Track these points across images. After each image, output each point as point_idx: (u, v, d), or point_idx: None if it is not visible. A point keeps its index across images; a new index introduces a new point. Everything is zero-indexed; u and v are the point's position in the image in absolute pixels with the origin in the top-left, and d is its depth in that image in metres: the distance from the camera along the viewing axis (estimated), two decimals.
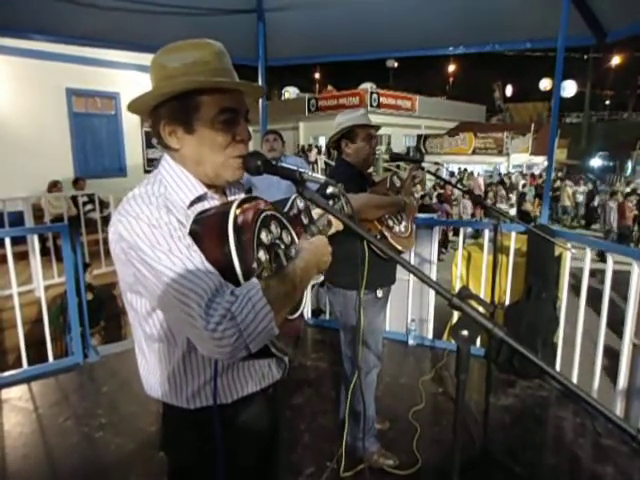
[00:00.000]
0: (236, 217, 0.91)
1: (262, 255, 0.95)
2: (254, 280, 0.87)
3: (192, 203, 1.02)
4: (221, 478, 1.03)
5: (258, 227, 0.95)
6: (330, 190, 1.13)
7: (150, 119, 1.04)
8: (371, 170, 2.54)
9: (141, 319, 1.02)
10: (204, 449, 1.06)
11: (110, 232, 0.95)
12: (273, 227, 1.02)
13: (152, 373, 1.06)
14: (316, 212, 1.25)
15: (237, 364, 1.07)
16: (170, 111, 1.00)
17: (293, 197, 1.19)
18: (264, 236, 0.97)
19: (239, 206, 0.94)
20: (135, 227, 0.90)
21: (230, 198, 1.14)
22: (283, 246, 1.04)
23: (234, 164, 1.04)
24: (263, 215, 0.99)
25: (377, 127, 2.41)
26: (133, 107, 1.02)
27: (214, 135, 1.00)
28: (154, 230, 0.90)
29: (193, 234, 0.94)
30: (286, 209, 1.16)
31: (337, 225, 1.29)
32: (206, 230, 0.95)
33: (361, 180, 2.35)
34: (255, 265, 0.91)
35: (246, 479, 1.15)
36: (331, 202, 1.26)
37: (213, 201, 1.07)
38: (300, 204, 1.20)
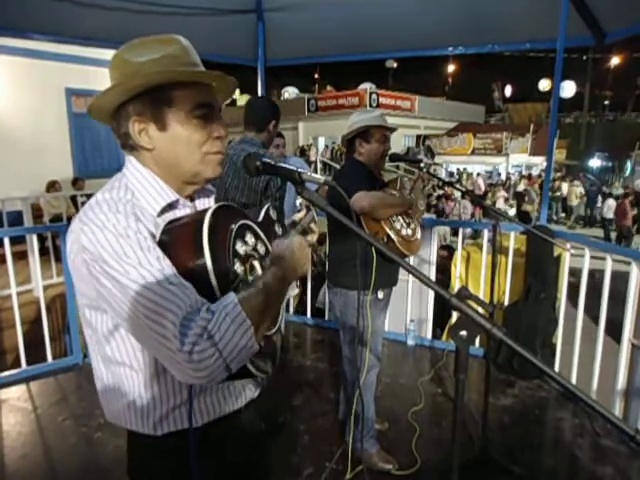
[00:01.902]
0: (211, 226, 0.84)
1: (238, 267, 0.89)
2: (231, 294, 0.81)
3: (162, 211, 0.94)
4: None
5: (233, 237, 0.89)
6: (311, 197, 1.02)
7: (113, 120, 0.96)
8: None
9: (101, 339, 0.92)
10: (174, 477, 0.98)
11: (69, 241, 0.86)
12: (248, 237, 0.96)
13: (113, 399, 0.97)
14: (298, 216, 1.19)
15: (211, 386, 0.99)
16: (140, 107, 0.92)
17: (266, 207, 1.15)
18: (239, 247, 0.91)
19: (213, 214, 0.87)
20: (100, 237, 0.81)
21: (198, 206, 1.06)
22: (258, 257, 0.99)
23: (213, 160, 0.98)
24: (238, 224, 0.93)
25: (393, 129, 2.40)
26: (96, 106, 0.94)
27: (190, 132, 0.94)
28: (121, 240, 0.81)
29: (163, 245, 0.86)
30: (260, 219, 1.10)
31: (314, 236, 1.20)
32: (178, 241, 0.87)
33: (372, 180, 2.35)
34: (232, 277, 0.85)
35: None
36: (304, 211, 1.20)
37: (185, 209, 1.00)
38: (273, 215, 1.15)
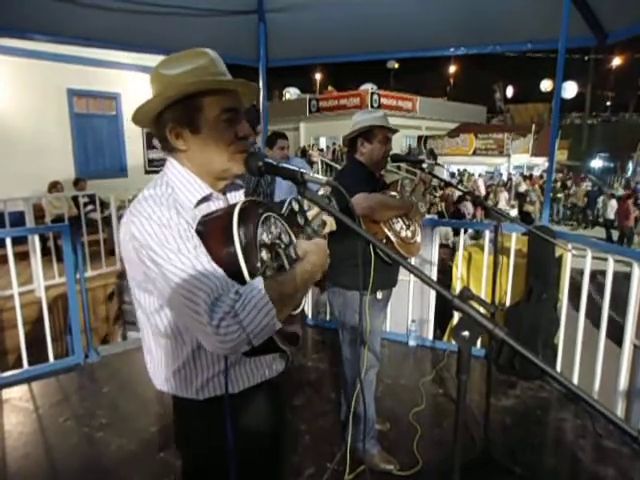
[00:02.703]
0: (240, 219, 0.95)
1: (265, 254, 0.99)
2: (258, 279, 0.92)
3: (198, 203, 1.06)
4: (233, 465, 1.07)
5: (260, 228, 0.99)
6: (322, 192, 1.15)
7: (154, 126, 1.09)
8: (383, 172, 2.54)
9: (149, 316, 1.06)
10: (215, 437, 1.09)
11: (122, 232, 0.99)
12: (273, 228, 1.07)
13: (161, 368, 1.10)
14: (310, 213, 1.28)
15: (245, 357, 1.10)
16: (175, 114, 1.04)
17: (289, 199, 1.23)
18: (265, 236, 1.02)
19: (242, 208, 0.98)
20: (147, 227, 0.95)
21: (230, 199, 1.19)
22: (283, 246, 1.09)
23: (240, 158, 1.09)
24: (264, 216, 1.03)
25: (395, 130, 2.40)
26: (139, 115, 1.06)
27: (219, 133, 1.06)
28: (164, 230, 0.94)
29: (199, 234, 0.98)
30: (283, 210, 1.20)
31: (331, 225, 1.32)
32: (212, 231, 0.99)
33: (372, 181, 2.35)
34: (259, 264, 0.95)
35: (254, 468, 1.18)
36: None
37: (218, 201, 1.13)
38: (295, 206, 1.24)
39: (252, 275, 0.93)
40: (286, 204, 1.22)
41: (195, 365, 1.06)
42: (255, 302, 0.89)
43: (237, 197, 1.22)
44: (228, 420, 1.05)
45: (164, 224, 0.94)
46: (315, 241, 1.13)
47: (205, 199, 1.09)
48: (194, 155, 1.08)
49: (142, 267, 0.97)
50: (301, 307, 1.11)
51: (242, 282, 0.93)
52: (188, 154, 1.08)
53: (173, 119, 1.05)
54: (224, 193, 1.18)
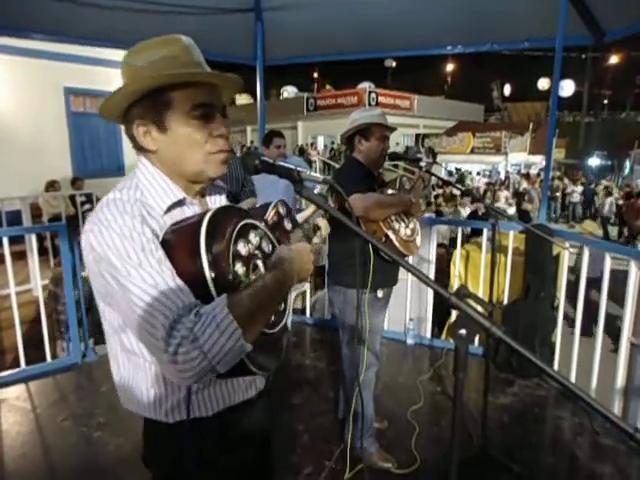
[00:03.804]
0: (209, 228, 0.86)
1: (239, 268, 0.90)
2: (222, 297, 0.82)
3: (169, 208, 0.97)
4: None
5: (234, 238, 0.90)
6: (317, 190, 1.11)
7: (124, 123, 0.99)
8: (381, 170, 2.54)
9: (117, 330, 0.97)
10: (183, 462, 1.02)
11: (82, 240, 0.90)
12: (252, 236, 0.97)
13: (129, 386, 1.00)
14: (301, 216, 1.21)
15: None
16: (142, 110, 0.95)
17: (274, 203, 1.15)
18: (241, 247, 0.92)
19: (213, 216, 0.89)
20: (106, 237, 0.85)
21: (210, 203, 1.11)
22: (263, 256, 1.00)
23: (216, 159, 0.99)
24: (240, 225, 0.93)
25: (393, 129, 2.39)
26: (105, 110, 0.97)
27: (189, 132, 0.95)
28: (125, 241, 0.85)
29: (165, 244, 0.89)
30: (267, 215, 1.12)
31: (325, 228, 1.22)
32: (178, 241, 0.90)
33: (370, 179, 2.34)
34: (231, 277, 0.86)
35: None
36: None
37: (193, 207, 1.03)
38: (282, 209, 1.15)
39: (220, 292, 0.84)
40: (270, 208, 1.13)
41: (165, 386, 0.97)
42: (217, 323, 0.79)
43: (218, 201, 1.12)
44: (188, 447, 0.98)
45: (125, 235, 0.85)
46: (293, 246, 1.03)
47: (178, 204, 0.99)
48: (164, 155, 0.98)
49: (102, 280, 0.88)
50: (281, 324, 1.01)
51: (209, 301, 0.84)
52: (158, 155, 0.98)
53: (140, 115, 0.95)
54: (203, 196, 1.09)
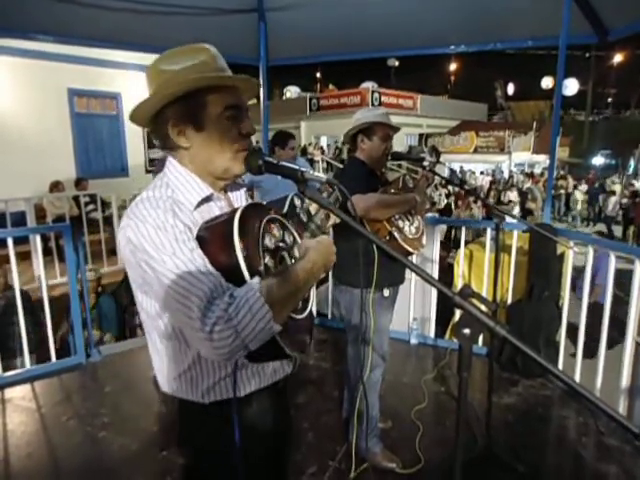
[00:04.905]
0: (241, 226, 0.93)
1: (268, 260, 0.97)
2: (254, 281, 0.89)
3: (199, 204, 1.04)
4: (240, 469, 1.06)
5: (262, 232, 0.97)
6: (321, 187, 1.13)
7: (153, 124, 1.07)
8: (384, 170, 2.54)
9: (152, 318, 1.04)
10: (220, 439, 1.08)
11: (119, 235, 0.98)
12: (275, 230, 1.04)
13: (167, 370, 1.08)
14: (314, 207, 1.26)
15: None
16: (178, 111, 1.02)
17: (290, 196, 1.21)
18: (268, 240, 0.99)
19: (243, 213, 0.95)
20: (142, 229, 0.93)
21: (232, 198, 1.18)
22: (287, 247, 1.07)
23: (241, 157, 1.07)
24: (266, 219, 1.01)
25: (396, 128, 2.39)
26: (139, 112, 1.04)
27: (222, 131, 1.04)
28: (159, 233, 0.92)
29: (200, 240, 0.96)
30: (285, 210, 1.18)
31: (334, 217, 1.27)
32: (213, 238, 0.97)
33: (373, 179, 2.34)
34: (262, 269, 0.93)
35: (259, 472, 1.16)
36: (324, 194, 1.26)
37: (219, 202, 1.11)
38: (297, 202, 1.21)
39: None
40: (287, 201, 1.19)
41: (201, 368, 1.05)
42: (250, 305, 0.86)
43: (239, 196, 1.20)
44: (236, 425, 1.04)
45: (159, 226, 0.93)
46: (318, 239, 1.10)
47: (206, 200, 1.06)
48: (196, 153, 1.05)
49: (139, 270, 0.96)
50: (307, 311, 1.08)
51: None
52: (190, 152, 1.05)
53: (175, 116, 1.02)
54: (225, 192, 1.16)
